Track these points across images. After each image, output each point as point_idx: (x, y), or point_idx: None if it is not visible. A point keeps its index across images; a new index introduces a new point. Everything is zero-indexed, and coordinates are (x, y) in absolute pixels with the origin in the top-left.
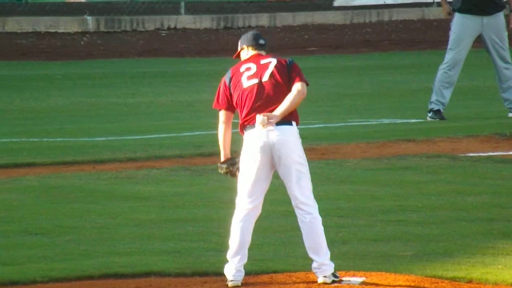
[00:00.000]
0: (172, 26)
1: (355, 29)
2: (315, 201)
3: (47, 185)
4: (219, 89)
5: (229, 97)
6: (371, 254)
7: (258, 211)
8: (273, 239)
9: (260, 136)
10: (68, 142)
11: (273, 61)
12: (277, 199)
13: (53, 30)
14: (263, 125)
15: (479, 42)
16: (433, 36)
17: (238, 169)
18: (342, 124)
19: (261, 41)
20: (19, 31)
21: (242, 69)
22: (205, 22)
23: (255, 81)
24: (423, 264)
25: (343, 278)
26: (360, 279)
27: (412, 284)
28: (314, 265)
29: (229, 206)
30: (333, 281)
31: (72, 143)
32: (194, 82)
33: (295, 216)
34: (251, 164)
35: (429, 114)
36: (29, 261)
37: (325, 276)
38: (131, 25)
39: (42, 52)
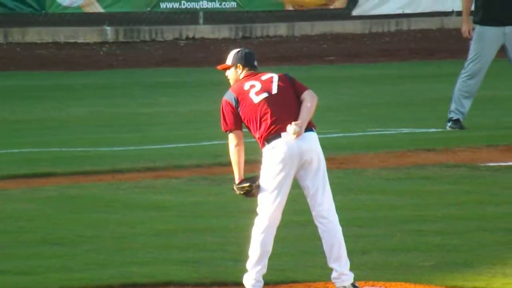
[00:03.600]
0: (191, 36)
1: (373, 38)
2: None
3: (67, 195)
4: (223, 111)
5: (237, 116)
6: (390, 264)
7: (279, 220)
8: (292, 249)
9: (289, 144)
10: (87, 152)
11: (274, 75)
12: (296, 209)
13: (73, 41)
14: (297, 134)
15: (501, 51)
16: (453, 45)
17: (258, 186)
18: (361, 133)
19: (256, 63)
20: (39, 41)
21: (246, 87)
22: (223, 32)
23: (265, 95)
24: (443, 274)
25: None
26: None
27: None
28: (333, 275)
29: (247, 215)
30: None
31: (91, 153)
32: (213, 92)
33: (314, 226)
34: (278, 173)
35: (449, 124)
36: (48, 271)
37: (344, 287)
38: (150, 35)
39: (61, 62)
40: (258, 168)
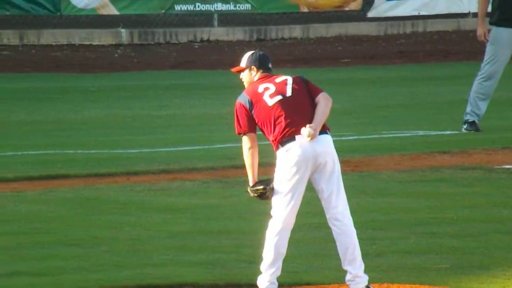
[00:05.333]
0: (205, 38)
1: (389, 40)
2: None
3: (82, 196)
4: (237, 114)
5: (251, 119)
6: (405, 267)
7: (293, 223)
8: (306, 251)
9: (304, 147)
10: (102, 154)
11: (289, 78)
12: (310, 211)
13: (88, 43)
14: (312, 137)
15: None
16: (469, 47)
17: (272, 189)
18: (376, 136)
19: (270, 65)
20: (54, 43)
21: (260, 89)
22: (238, 34)
23: (279, 97)
24: (458, 277)
25: None
26: None
27: None
28: (348, 277)
29: (261, 218)
30: None
31: (106, 155)
32: (227, 94)
33: (328, 228)
34: (293, 176)
35: (464, 126)
36: (64, 272)
37: None
38: (165, 38)
39: (76, 65)
40: (272, 171)
